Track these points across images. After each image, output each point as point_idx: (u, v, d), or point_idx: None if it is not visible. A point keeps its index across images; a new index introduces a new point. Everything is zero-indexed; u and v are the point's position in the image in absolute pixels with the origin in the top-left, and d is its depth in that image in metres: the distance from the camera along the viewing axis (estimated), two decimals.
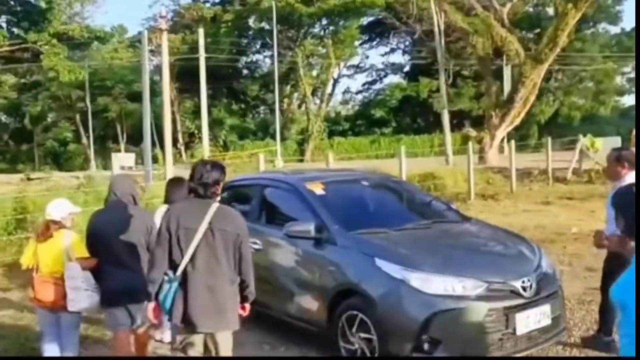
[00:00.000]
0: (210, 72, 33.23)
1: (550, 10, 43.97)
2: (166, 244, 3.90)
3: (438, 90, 41.47)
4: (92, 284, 4.84)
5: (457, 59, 38.98)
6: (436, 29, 30.74)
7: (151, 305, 4.04)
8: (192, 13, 44.48)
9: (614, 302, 2.69)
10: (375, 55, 76.51)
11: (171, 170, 17.41)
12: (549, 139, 20.94)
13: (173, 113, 33.40)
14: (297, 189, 5.94)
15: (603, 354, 5.22)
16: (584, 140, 20.82)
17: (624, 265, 2.70)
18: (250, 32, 47.78)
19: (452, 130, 32.61)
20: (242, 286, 4.02)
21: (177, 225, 3.89)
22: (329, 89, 49.26)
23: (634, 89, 52.47)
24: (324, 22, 46.75)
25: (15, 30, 47.02)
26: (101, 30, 47.58)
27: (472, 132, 28.16)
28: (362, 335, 4.83)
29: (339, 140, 47.74)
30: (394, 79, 54.67)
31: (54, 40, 43.39)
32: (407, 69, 53.64)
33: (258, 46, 49.65)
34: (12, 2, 46.78)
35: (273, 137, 42.22)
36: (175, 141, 33.29)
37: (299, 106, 49.82)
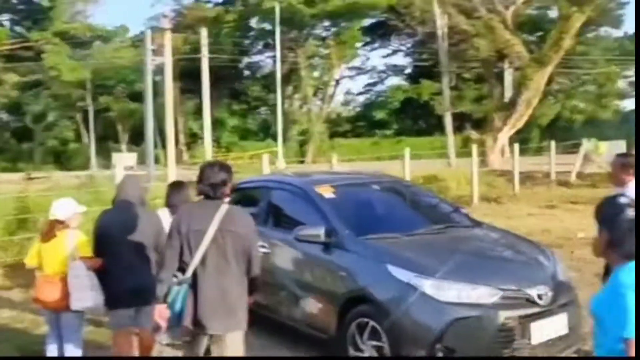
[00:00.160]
0: (211, 72, 33.17)
1: (553, 13, 44.02)
2: (177, 246, 3.89)
3: (440, 92, 41.42)
4: (96, 284, 4.80)
5: (459, 62, 38.89)
6: (439, 31, 30.65)
7: (160, 307, 3.99)
8: (194, 13, 44.40)
9: (592, 313, 2.69)
10: (377, 57, 76.58)
11: (173, 171, 17.34)
12: (553, 143, 20.90)
13: (175, 113, 33.21)
14: (306, 192, 5.84)
15: None
16: (588, 144, 20.75)
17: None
18: (252, 33, 47.68)
19: (453, 132, 32.49)
20: (250, 284, 4.03)
21: (187, 227, 3.88)
22: (330, 91, 49.18)
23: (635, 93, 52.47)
24: (326, 23, 46.61)
25: (18, 28, 46.95)
26: (104, 29, 47.48)
27: (474, 135, 28.06)
28: (373, 343, 4.73)
29: (340, 142, 47.60)
30: (396, 80, 54.62)
31: (57, 39, 43.29)
32: (408, 71, 53.55)
33: (260, 47, 49.55)
34: (14, 1, 46.71)
35: (274, 138, 42.10)
36: (176, 141, 33.17)
37: (300, 107, 49.71)
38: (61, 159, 46.79)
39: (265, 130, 49.00)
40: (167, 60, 22.46)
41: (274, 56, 42.07)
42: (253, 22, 46.71)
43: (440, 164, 24.90)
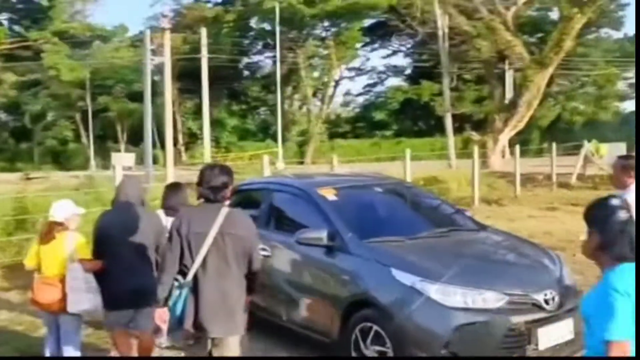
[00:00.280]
0: (211, 72, 33.06)
1: (553, 15, 44.02)
2: (177, 249, 3.88)
3: (439, 93, 41.36)
4: (93, 287, 4.77)
5: (460, 63, 38.85)
6: (440, 32, 30.59)
7: (160, 310, 3.97)
8: (194, 13, 44.34)
9: (582, 314, 2.71)
10: (377, 58, 76.58)
11: (171, 171, 17.30)
12: (554, 145, 20.83)
13: (174, 113, 33.18)
14: (308, 194, 5.76)
15: None
16: (588, 146, 20.70)
17: None
18: (252, 33, 47.61)
19: (453, 134, 32.44)
20: (249, 283, 4.02)
21: (187, 230, 3.86)
22: (330, 91, 49.13)
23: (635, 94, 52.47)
24: (326, 23, 46.56)
25: (17, 27, 46.87)
26: (103, 28, 47.43)
27: (475, 136, 28.00)
28: (377, 348, 4.65)
29: (340, 143, 47.54)
30: (395, 81, 54.54)
31: (56, 39, 43.24)
32: (408, 71, 53.47)
33: (259, 47, 49.50)
34: (14, 0, 46.63)
35: (273, 138, 42.05)
36: (175, 142, 33.11)
37: (300, 108, 49.64)
38: (60, 158, 46.75)
39: (264, 130, 48.95)
40: (167, 60, 22.41)
41: (274, 56, 42.03)
42: (253, 22, 46.68)
43: (440, 165, 24.83)
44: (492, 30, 26.57)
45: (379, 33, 48.79)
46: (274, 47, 39.41)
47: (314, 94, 48.52)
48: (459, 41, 34.73)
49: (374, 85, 53.91)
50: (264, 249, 5.74)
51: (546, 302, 4.54)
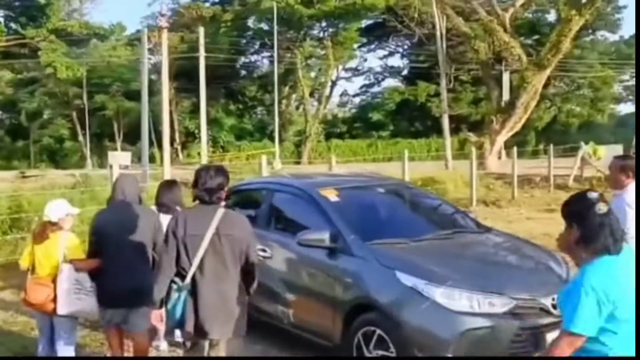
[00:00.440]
0: (208, 72, 32.93)
1: (550, 17, 44.08)
2: (173, 251, 3.87)
3: (436, 94, 41.36)
4: (87, 287, 4.73)
5: (456, 64, 38.86)
6: (438, 33, 30.56)
7: (156, 312, 3.96)
8: (192, 12, 44.17)
9: (558, 305, 2.82)
10: (373, 59, 76.44)
11: (168, 171, 17.22)
12: (551, 146, 20.84)
13: (171, 112, 33.10)
14: (310, 195, 5.66)
15: None
16: (586, 148, 20.67)
17: None
18: (249, 33, 47.49)
19: (450, 135, 32.41)
20: (247, 285, 4.02)
21: (183, 232, 3.85)
22: (327, 91, 49.03)
23: (631, 97, 52.57)
24: (324, 23, 46.46)
25: (13, 25, 46.61)
26: (100, 27, 47.18)
27: (472, 137, 27.95)
28: (380, 352, 4.57)
29: (336, 143, 47.48)
30: (392, 82, 54.47)
31: (52, 36, 43.00)
32: (405, 72, 53.43)
33: (257, 47, 49.37)
34: None
35: (270, 138, 41.97)
36: (172, 141, 33.01)
37: (297, 108, 49.54)
38: (56, 157, 46.60)
39: (261, 130, 48.84)
40: (164, 58, 22.28)
41: (271, 56, 41.94)
42: (250, 21, 46.53)
43: (437, 166, 24.80)
44: (490, 32, 26.55)
45: (376, 34, 48.75)
46: (272, 47, 39.30)
47: (311, 94, 48.42)
48: (456, 42, 34.76)
49: (370, 85, 53.93)
50: (263, 250, 5.67)
51: (554, 306, 4.44)
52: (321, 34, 47.23)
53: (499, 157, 27.24)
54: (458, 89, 43.80)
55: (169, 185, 5.88)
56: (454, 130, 36.30)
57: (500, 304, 4.34)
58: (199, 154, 34.36)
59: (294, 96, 48.90)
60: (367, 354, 4.65)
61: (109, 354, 5.20)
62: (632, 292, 2.65)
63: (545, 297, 4.48)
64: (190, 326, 3.87)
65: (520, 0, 28.07)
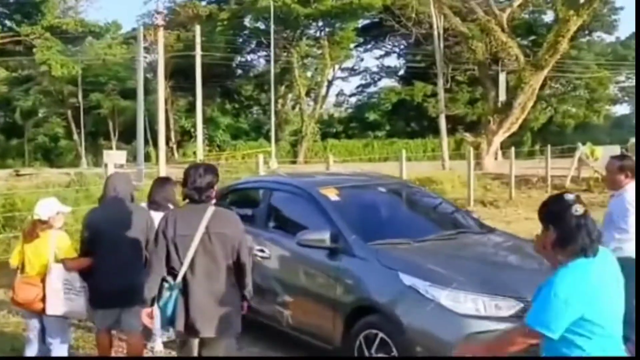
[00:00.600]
0: (204, 70, 32.84)
1: (546, 17, 44.16)
2: (163, 251, 3.87)
3: (433, 94, 41.33)
4: (77, 287, 4.67)
5: (453, 64, 38.84)
6: (435, 33, 30.51)
7: (147, 310, 3.97)
8: (188, 11, 44.02)
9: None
10: (370, 58, 76.26)
11: (164, 169, 17.15)
12: (549, 147, 20.84)
13: (166, 111, 32.99)
14: (309, 193, 5.53)
15: None
16: (583, 149, 20.65)
17: None
18: (246, 32, 47.35)
19: (446, 135, 32.35)
20: (240, 283, 3.99)
21: (173, 232, 3.85)
22: (323, 91, 48.95)
23: (627, 99, 52.74)
24: (320, 23, 46.36)
25: (8, 22, 46.31)
26: (96, 24, 46.90)
27: (469, 138, 27.92)
28: (382, 355, 4.45)
29: (333, 143, 47.40)
30: (389, 82, 54.41)
31: (47, 34, 42.72)
32: (401, 72, 53.42)
33: (253, 46, 49.23)
34: None
35: (266, 137, 41.83)
36: (167, 140, 32.87)
37: (293, 107, 49.43)
38: (51, 155, 46.37)
39: (257, 129, 48.72)
40: (160, 57, 22.19)
41: (267, 55, 41.82)
42: (247, 20, 46.36)
43: (433, 167, 24.76)
44: (488, 31, 26.53)
45: (373, 33, 48.71)
46: (268, 46, 39.20)
47: (307, 94, 48.31)
48: (453, 42, 34.73)
49: (367, 85, 53.89)
50: (261, 250, 5.56)
51: None
52: (318, 34, 47.12)
53: (495, 158, 27.21)
54: (454, 89, 43.79)
55: (162, 182, 5.86)
56: (450, 131, 36.23)
57: (506, 307, 4.22)
58: (194, 153, 34.21)
59: (290, 96, 48.76)
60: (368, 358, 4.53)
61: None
62: (608, 295, 2.65)
63: None
64: (180, 325, 3.87)
65: (517, 0, 28.08)
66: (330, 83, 50.19)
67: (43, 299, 4.61)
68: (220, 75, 44.88)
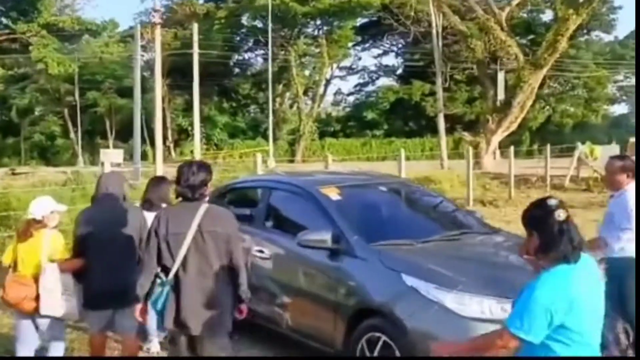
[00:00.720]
0: (201, 69, 32.78)
1: (545, 16, 44.14)
2: (154, 249, 3.87)
3: (431, 93, 41.29)
4: (69, 288, 4.60)
5: (451, 63, 38.80)
6: (434, 31, 30.45)
7: (138, 306, 3.98)
8: (185, 9, 43.91)
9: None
10: (368, 57, 76.30)
11: (161, 168, 17.02)
12: (548, 146, 20.79)
13: (163, 110, 32.83)
14: (310, 193, 5.41)
15: None
16: (582, 148, 20.61)
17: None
18: (243, 30, 47.25)
19: (445, 134, 32.30)
20: (235, 282, 3.95)
21: (165, 230, 3.85)
22: (321, 90, 48.87)
23: (625, 98, 52.77)
24: (318, 21, 46.28)
25: (4, 20, 46.13)
26: (92, 22, 46.75)
27: (468, 137, 27.85)
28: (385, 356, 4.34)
29: (330, 142, 47.33)
30: (387, 81, 54.41)
31: (44, 32, 42.56)
32: (400, 71, 53.40)
33: (250, 44, 49.13)
34: None
35: (264, 136, 41.77)
36: (164, 138, 32.74)
37: (291, 106, 49.34)
38: (47, 154, 46.24)
39: (254, 128, 48.64)
40: (157, 55, 22.07)
41: (265, 54, 41.72)
42: (244, 19, 46.29)
43: (432, 166, 24.70)
44: (487, 30, 26.48)
45: (371, 32, 48.66)
46: (266, 45, 39.10)
47: (305, 93, 48.27)
48: (452, 41, 34.68)
49: (365, 84, 53.80)
50: (261, 251, 5.46)
51: None
52: (316, 32, 47.04)
53: (494, 157, 27.16)
54: (453, 88, 43.80)
55: (157, 181, 5.82)
56: (449, 130, 36.22)
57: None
58: (191, 151, 34.14)
59: (287, 94, 48.69)
60: None
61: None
62: (589, 303, 2.64)
63: None
64: (169, 321, 3.87)
65: None
66: (328, 82, 50.17)
67: (35, 299, 4.53)
68: (217, 74, 44.80)
